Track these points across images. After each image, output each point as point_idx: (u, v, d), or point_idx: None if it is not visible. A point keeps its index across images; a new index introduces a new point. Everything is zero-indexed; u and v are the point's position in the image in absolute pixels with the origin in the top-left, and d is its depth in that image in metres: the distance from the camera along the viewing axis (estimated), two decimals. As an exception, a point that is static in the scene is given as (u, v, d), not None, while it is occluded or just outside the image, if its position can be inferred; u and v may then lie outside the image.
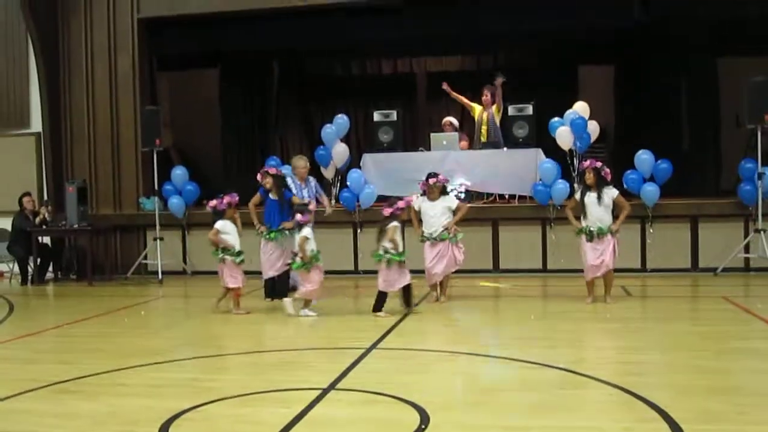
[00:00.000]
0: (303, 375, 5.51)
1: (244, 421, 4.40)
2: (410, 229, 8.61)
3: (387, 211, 7.83)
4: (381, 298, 7.84)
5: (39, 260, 11.75)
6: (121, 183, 12.39)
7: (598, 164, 8.14)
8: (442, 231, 8.40)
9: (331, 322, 7.82)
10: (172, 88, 14.23)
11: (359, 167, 11.33)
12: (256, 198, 9.13)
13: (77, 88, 12.54)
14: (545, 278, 10.57)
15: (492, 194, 11.27)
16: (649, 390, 4.70)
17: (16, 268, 11.84)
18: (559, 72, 13.87)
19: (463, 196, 10.43)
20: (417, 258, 8.53)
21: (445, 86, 11.80)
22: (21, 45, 12.69)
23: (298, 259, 7.95)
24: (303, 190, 9.31)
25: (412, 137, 13.97)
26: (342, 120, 11.59)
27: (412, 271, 7.95)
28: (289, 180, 9.23)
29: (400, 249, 7.78)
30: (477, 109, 11.64)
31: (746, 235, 10.39)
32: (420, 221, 8.56)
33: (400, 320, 7.49)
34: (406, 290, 7.86)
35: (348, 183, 11.13)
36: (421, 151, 11.47)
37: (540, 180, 10.63)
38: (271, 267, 8.90)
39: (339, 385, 5.06)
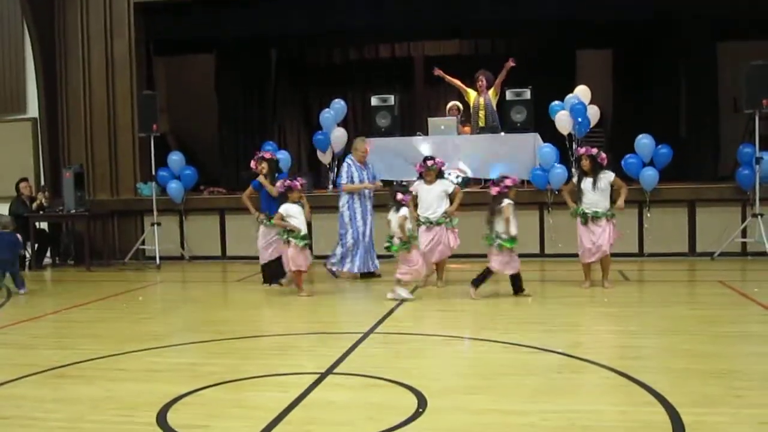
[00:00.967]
0: (301, 359, 5.52)
1: (242, 406, 4.41)
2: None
3: (495, 190, 7.73)
4: (486, 275, 7.73)
5: (37, 246, 11.73)
6: (118, 168, 12.34)
7: (594, 151, 8.15)
8: (441, 215, 8.40)
9: (329, 307, 7.83)
10: (169, 73, 14.18)
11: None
12: (249, 191, 9.06)
13: (73, 73, 12.47)
14: (543, 263, 10.58)
15: (489, 179, 11.24)
16: (647, 374, 4.72)
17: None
18: (558, 56, 13.83)
19: (459, 181, 10.42)
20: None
21: (437, 72, 11.74)
22: (17, 30, 12.61)
23: (396, 241, 7.77)
24: (363, 173, 9.20)
25: (410, 122, 13.93)
26: (339, 105, 11.56)
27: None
28: (348, 163, 9.16)
29: (512, 232, 7.58)
30: (472, 94, 11.58)
31: (743, 219, 10.39)
32: (416, 205, 8.55)
33: (398, 305, 7.50)
34: (515, 277, 7.76)
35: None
36: (419, 136, 11.44)
37: (538, 164, 10.62)
38: (268, 252, 8.86)
39: (337, 370, 5.07)
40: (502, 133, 11.23)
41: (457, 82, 11.80)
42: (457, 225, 8.52)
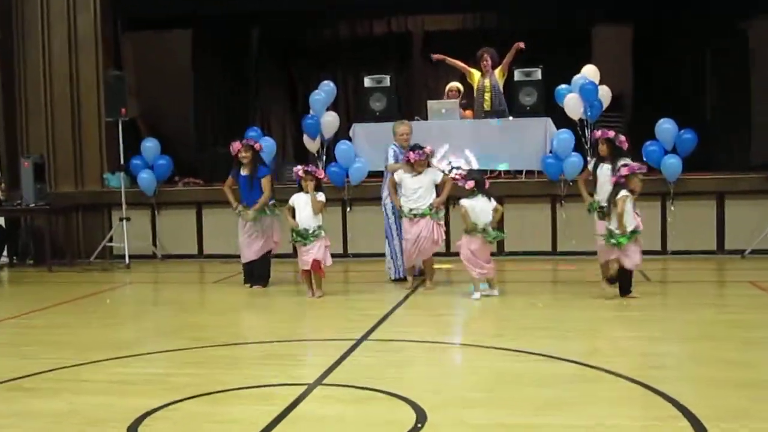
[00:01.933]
0: (287, 369, 5.52)
1: (221, 420, 4.40)
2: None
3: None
4: (627, 277, 7.66)
5: (-9, 243, 11.73)
6: (82, 157, 12.31)
7: (611, 134, 8.07)
8: (427, 207, 8.40)
9: (319, 312, 7.83)
10: (139, 52, 14.10)
11: (348, 139, 11.27)
12: (230, 181, 9.05)
13: (32, 53, 12.40)
14: (555, 261, 10.60)
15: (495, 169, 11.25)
16: (670, 384, 4.73)
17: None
18: (571, 32, 13.79)
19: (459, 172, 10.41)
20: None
21: (435, 57, 11.70)
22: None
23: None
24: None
25: (408, 105, 13.90)
26: (329, 87, 11.52)
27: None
28: (394, 149, 9.12)
29: (629, 226, 7.46)
30: (476, 75, 11.54)
31: (777, 213, 10.42)
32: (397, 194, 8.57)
33: (394, 308, 7.50)
34: (624, 274, 7.68)
35: (335, 156, 11.08)
36: (417, 120, 11.42)
37: (551, 152, 10.61)
38: (250, 250, 8.86)
39: (326, 380, 5.06)
40: (510, 118, 11.22)
41: (460, 64, 11.75)
42: (442, 218, 8.56)
